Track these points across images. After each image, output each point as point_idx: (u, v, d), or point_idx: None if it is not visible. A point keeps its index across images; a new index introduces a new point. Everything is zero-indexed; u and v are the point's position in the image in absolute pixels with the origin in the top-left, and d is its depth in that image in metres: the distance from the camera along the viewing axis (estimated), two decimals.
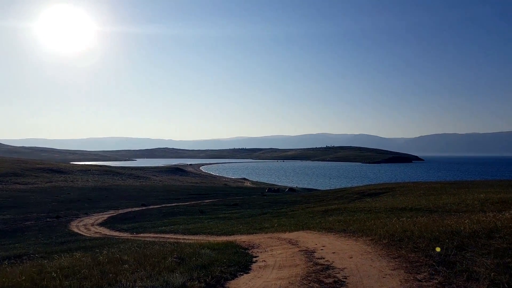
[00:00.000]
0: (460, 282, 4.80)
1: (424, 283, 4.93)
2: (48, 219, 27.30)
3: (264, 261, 7.43)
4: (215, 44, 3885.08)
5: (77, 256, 10.22)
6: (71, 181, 63.85)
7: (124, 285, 5.41)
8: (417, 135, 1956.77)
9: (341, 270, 5.96)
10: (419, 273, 5.37)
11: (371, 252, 7.07)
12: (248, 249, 8.92)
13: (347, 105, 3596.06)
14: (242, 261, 7.28)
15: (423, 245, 7.13)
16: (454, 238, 7.40)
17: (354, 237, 9.19)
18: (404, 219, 11.86)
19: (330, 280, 5.44)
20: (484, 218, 9.29)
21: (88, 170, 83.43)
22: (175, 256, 7.47)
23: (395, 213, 16.52)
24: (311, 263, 6.63)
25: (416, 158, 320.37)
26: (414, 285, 4.89)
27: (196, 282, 5.48)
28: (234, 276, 6.21)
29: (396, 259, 6.37)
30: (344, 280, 5.44)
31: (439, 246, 7.02)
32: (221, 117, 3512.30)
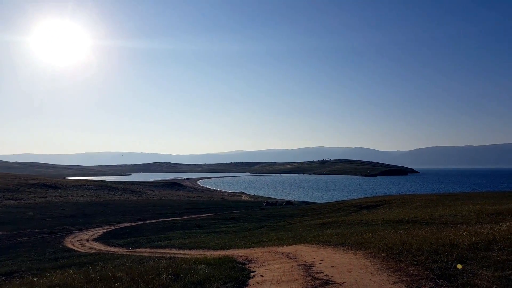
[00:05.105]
0: None
1: None
2: (42, 235, 26.88)
3: (262, 276, 7.30)
4: (212, 58, 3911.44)
5: (69, 273, 10.01)
6: (65, 196, 63.19)
7: None
8: (413, 148, 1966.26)
9: (341, 285, 5.86)
10: (420, 287, 5.28)
11: (370, 266, 6.97)
12: (245, 263, 8.77)
13: (344, 118, 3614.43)
14: (239, 277, 7.14)
15: (423, 258, 7.05)
16: (453, 250, 7.34)
17: (352, 250, 9.08)
18: (402, 231, 11.79)
19: None
20: (481, 230, 9.24)
21: (84, 185, 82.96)
22: (170, 272, 7.34)
23: (392, 225, 16.48)
24: (310, 277, 6.51)
25: (412, 171, 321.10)
26: None
27: None
28: None
29: (396, 273, 6.27)
30: None
31: (438, 259, 6.95)
32: (218, 131, 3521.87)
